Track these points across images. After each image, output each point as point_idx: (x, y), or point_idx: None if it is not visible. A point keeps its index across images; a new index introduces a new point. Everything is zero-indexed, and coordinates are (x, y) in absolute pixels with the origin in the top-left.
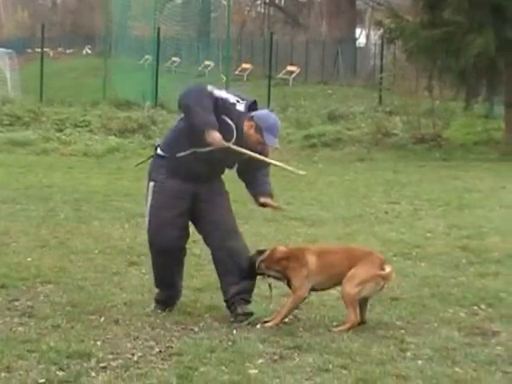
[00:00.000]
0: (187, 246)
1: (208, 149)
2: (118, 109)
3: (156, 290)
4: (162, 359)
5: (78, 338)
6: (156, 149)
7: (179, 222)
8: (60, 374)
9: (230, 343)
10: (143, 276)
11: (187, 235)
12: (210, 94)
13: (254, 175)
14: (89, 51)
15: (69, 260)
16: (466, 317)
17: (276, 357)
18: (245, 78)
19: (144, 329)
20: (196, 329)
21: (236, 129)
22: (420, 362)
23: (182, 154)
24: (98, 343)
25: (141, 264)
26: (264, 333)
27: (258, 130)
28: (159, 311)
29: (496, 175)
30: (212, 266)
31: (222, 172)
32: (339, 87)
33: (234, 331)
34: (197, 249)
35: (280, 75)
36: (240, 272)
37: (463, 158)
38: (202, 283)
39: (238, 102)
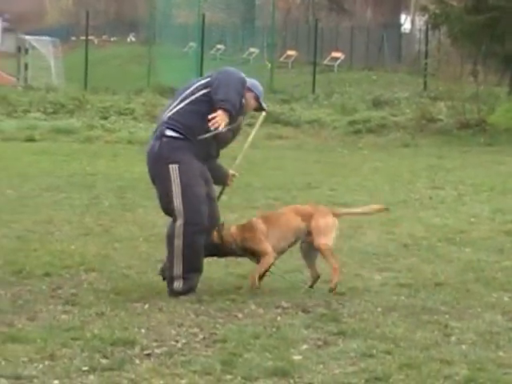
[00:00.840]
0: None
1: (226, 128)
2: (162, 96)
3: (179, 283)
4: (205, 346)
5: (121, 326)
6: (164, 132)
7: (207, 199)
8: (104, 361)
9: (273, 329)
10: None
11: None
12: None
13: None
14: (133, 39)
15: (113, 248)
16: (510, 301)
17: (320, 342)
18: (289, 65)
19: (188, 316)
20: (240, 315)
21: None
22: (464, 346)
23: (204, 136)
24: (142, 330)
25: None
26: (308, 319)
27: (257, 98)
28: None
29: None
30: None
31: None
32: (384, 73)
33: (279, 317)
34: None
35: (325, 62)
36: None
37: (508, 143)
38: (246, 270)
39: None
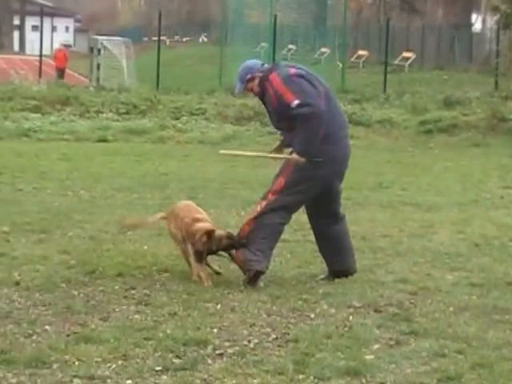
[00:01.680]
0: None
1: None
2: (234, 96)
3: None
4: (278, 346)
5: (194, 326)
6: None
7: None
8: (176, 361)
9: (345, 329)
10: None
11: None
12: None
13: None
14: (205, 39)
15: None
16: None
17: (392, 342)
18: (361, 65)
19: (260, 316)
20: (312, 315)
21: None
22: None
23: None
24: (215, 330)
25: None
26: (380, 318)
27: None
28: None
29: None
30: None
31: None
32: (455, 72)
33: (351, 317)
34: (312, 236)
35: (396, 61)
36: None
37: None
38: (318, 270)
39: None
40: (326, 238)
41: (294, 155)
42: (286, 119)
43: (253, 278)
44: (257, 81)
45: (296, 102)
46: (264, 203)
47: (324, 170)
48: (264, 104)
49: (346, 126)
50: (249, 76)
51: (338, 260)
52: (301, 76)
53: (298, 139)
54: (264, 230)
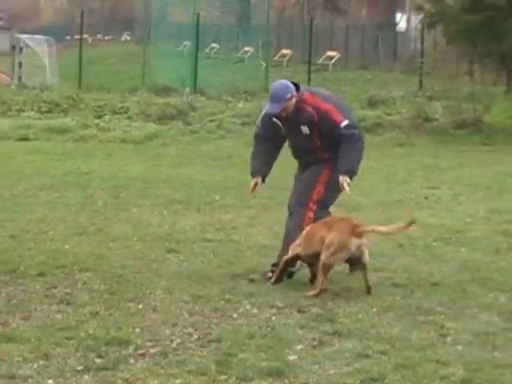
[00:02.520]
0: (227, 232)
1: None
2: (157, 95)
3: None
4: (200, 346)
5: (116, 325)
6: None
7: None
8: (98, 361)
9: (268, 329)
10: (181, 263)
11: None
12: (257, 132)
13: None
14: (127, 38)
15: (107, 247)
16: (506, 301)
17: (315, 343)
18: (284, 64)
19: (182, 316)
20: (235, 315)
21: (282, 124)
22: (460, 347)
23: None
24: (137, 330)
25: (179, 251)
26: (303, 318)
27: None
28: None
29: None
30: (250, 252)
31: None
32: (379, 72)
33: (273, 317)
34: (236, 235)
35: (320, 61)
36: None
37: (504, 143)
38: (241, 269)
39: None
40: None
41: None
42: (327, 136)
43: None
44: (294, 100)
45: (345, 122)
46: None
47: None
48: (284, 122)
49: None
50: (289, 95)
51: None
52: (337, 98)
53: (348, 159)
54: None
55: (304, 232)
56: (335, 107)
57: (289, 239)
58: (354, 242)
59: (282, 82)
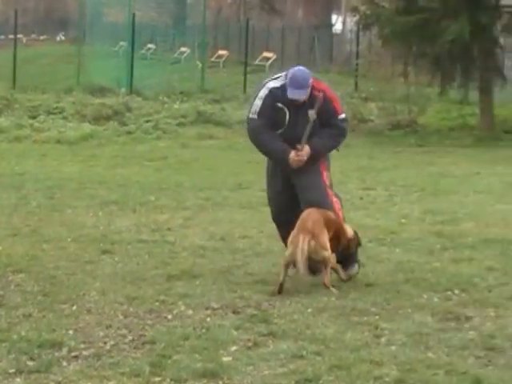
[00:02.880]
0: (162, 233)
1: None
2: (93, 95)
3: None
4: (134, 348)
5: (49, 327)
6: None
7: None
8: (31, 363)
9: (203, 330)
10: (116, 264)
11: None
12: (255, 125)
13: None
14: (62, 37)
15: (41, 249)
16: (439, 302)
17: (250, 344)
18: (221, 65)
19: (116, 317)
20: (169, 316)
21: (288, 108)
22: (394, 347)
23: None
24: (70, 332)
25: (114, 252)
26: (238, 319)
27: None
28: None
29: (471, 161)
30: (185, 253)
31: None
32: (315, 73)
33: (208, 318)
34: (171, 236)
35: (256, 61)
36: None
37: (438, 144)
38: (175, 270)
39: (275, 80)
40: None
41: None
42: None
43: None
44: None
45: (343, 115)
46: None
47: None
48: (292, 108)
49: None
50: (311, 81)
51: None
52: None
53: (324, 146)
54: None
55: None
56: (338, 98)
57: None
58: None
59: (302, 69)
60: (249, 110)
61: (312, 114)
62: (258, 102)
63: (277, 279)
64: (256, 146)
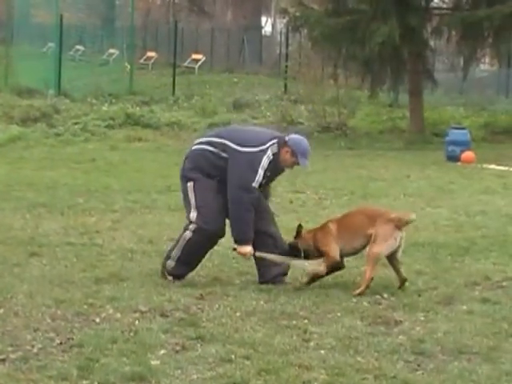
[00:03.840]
0: (90, 236)
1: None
2: (20, 97)
3: (171, 264)
4: (62, 351)
5: None
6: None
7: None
8: None
9: (131, 334)
10: (44, 267)
11: None
12: (254, 198)
13: None
14: None
15: None
16: (369, 306)
17: (178, 347)
18: (150, 67)
19: (44, 320)
20: (97, 320)
21: (271, 172)
22: (323, 351)
23: None
24: None
25: (42, 255)
26: (166, 323)
27: (294, 154)
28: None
29: (401, 164)
30: (114, 256)
31: None
32: (245, 75)
33: (136, 322)
34: (99, 239)
35: (185, 63)
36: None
37: (368, 147)
38: (103, 273)
39: (272, 146)
40: None
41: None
42: None
43: None
44: None
45: None
46: None
47: None
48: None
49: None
50: None
51: None
52: None
53: None
54: None
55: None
56: None
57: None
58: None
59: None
60: (247, 169)
61: None
62: (261, 172)
63: (204, 283)
64: (235, 215)
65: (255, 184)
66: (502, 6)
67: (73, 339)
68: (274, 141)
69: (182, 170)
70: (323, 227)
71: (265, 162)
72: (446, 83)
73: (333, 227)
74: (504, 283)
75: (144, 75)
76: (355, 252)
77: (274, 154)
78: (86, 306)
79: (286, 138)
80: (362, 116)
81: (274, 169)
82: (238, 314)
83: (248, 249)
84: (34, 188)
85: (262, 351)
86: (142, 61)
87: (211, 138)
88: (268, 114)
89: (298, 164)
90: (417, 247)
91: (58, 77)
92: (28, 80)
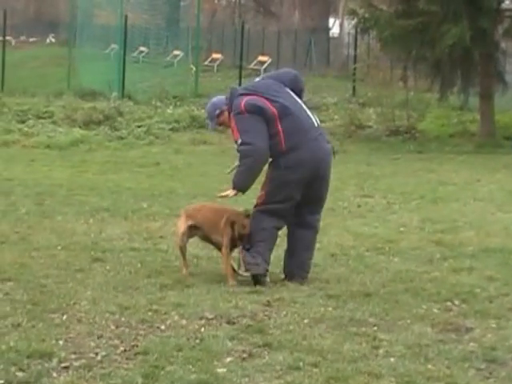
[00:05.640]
0: (154, 241)
1: None
2: (83, 99)
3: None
4: (126, 358)
5: (39, 337)
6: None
7: None
8: (20, 374)
9: (197, 341)
10: (108, 273)
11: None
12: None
13: None
14: (52, 40)
15: (30, 256)
16: (439, 313)
17: (245, 355)
18: (215, 69)
19: (108, 327)
20: (162, 327)
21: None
22: (392, 359)
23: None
24: (60, 342)
25: (105, 260)
26: (233, 330)
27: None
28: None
29: (471, 168)
30: (178, 263)
31: None
32: (312, 78)
33: (202, 329)
34: (164, 245)
35: (251, 66)
36: None
37: (438, 151)
38: (169, 280)
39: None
40: (289, 236)
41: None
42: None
43: (254, 281)
44: (226, 114)
45: (239, 140)
46: (254, 210)
47: (295, 175)
48: None
49: (313, 127)
50: (217, 112)
51: (287, 261)
52: (251, 107)
53: (236, 172)
54: (260, 233)
55: None
56: (237, 126)
57: None
58: None
59: (211, 100)
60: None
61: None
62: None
63: (271, 289)
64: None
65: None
66: None
67: (137, 346)
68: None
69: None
70: None
71: None
72: None
73: None
74: None
75: (209, 77)
76: None
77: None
78: (150, 313)
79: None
80: (431, 119)
81: None
82: (305, 320)
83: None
84: (96, 192)
85: (331, 359)
86: (206, 62)
87: None
88: (336, 117)
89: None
90: (488, 253)
91: (121, 79)
92: (91, 82)
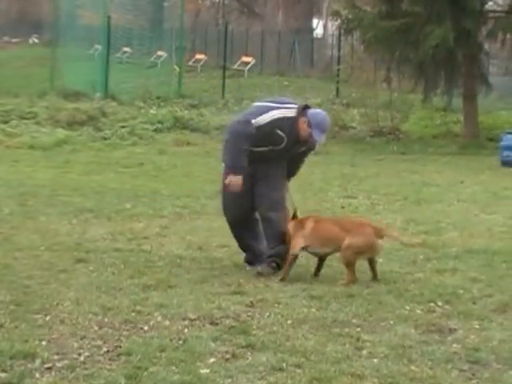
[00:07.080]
0: (138, 242)
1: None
2: (67, 100)
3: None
4: (109, 359)
5: (22, 338)
6: None
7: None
8: (2, 375)
9: (180, 342)
10: (91, 273)
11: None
12: (250, 131)
13: None
14: (36, 40)
15: (13, 257)
16: (422, 314)
17: (228, 356)
18: (199, 69)
19: (91, 328)
20: (145, 327)
21: (287, 137)
22: (376, 360)
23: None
24: (43, 343)
25: (89, 261)
26: (216, 331)
27: (309, 125)
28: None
29: (454, 169)
30: (162, 263)
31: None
32: (295, 78)
33: (185, 330)
34: (147, 245)
35: (235, 66)
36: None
37: (421, 152)
38: (152, 280)
39: (287, 109)
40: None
41: None
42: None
43: None
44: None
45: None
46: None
47: None
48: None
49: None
50: None
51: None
52: None
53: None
54: None
55: (310, 227)
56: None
57: (277, 230)
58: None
59: (326, 114)
60: (250, 113)
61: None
62: (265, 117)
63: (254, 290)
64: (230, 144)
65: (253, 120)
66: None
67: (120, 347)
68: (293, 105)
69: None
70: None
71: (274, 113)
72: (501, 87)
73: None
74: None
75: (193, 78)
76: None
77: (289, 118)
78: (133, 314)
79: (308, 109)
80: (415, 120)
81: (290, 134)
82: (289, 321)
83: (239, 181)
84: (80, 193)
85: (314, 360)
86: (190, 63)
87: None
88: None
89: (313, 138)
90: (471, 254)
91: (105, 79)
92: (74, 83)
